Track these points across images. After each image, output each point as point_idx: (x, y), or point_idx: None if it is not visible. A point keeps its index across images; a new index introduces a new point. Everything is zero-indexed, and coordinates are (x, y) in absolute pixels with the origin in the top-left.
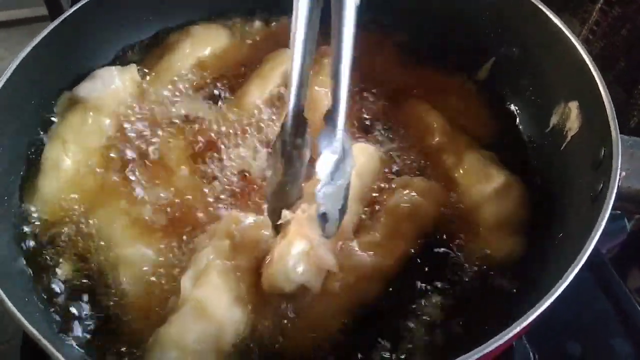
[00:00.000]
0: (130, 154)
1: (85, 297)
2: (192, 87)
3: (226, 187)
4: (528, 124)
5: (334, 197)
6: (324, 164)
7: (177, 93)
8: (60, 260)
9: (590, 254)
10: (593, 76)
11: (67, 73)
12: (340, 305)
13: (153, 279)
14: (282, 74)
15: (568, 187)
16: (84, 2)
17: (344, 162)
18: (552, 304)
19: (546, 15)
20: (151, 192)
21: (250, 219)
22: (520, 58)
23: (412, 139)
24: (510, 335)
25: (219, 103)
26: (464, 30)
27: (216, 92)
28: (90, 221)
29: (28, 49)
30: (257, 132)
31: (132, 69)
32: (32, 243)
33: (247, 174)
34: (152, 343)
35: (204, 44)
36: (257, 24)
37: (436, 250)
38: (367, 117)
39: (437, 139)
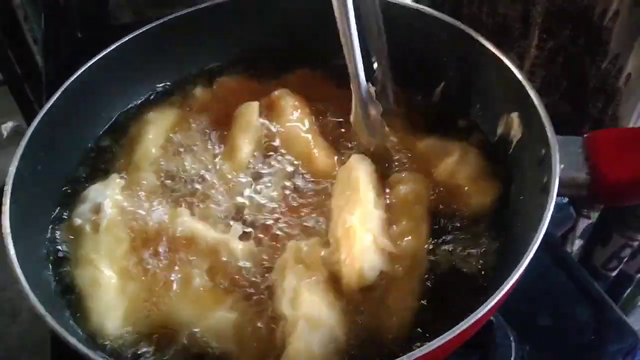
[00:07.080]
0: (156, 241)
1: None
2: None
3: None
4: (479, 135)
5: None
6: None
7: (161, 174)
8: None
9: (546, 238)
10: (526, 90)
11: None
12: (408, 286)
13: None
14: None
15: (520, 183)
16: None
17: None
18: (519, 281)
19: (482, 44)
20: (193, 265)
21: (306, 242)
22: (465, 80)
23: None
24: (485, 311)
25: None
26: (416, 62)
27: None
28: (158, 314)
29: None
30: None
31: (114, 177)
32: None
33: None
34: None
35: (163, 126)
36: (198, 90)
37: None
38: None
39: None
